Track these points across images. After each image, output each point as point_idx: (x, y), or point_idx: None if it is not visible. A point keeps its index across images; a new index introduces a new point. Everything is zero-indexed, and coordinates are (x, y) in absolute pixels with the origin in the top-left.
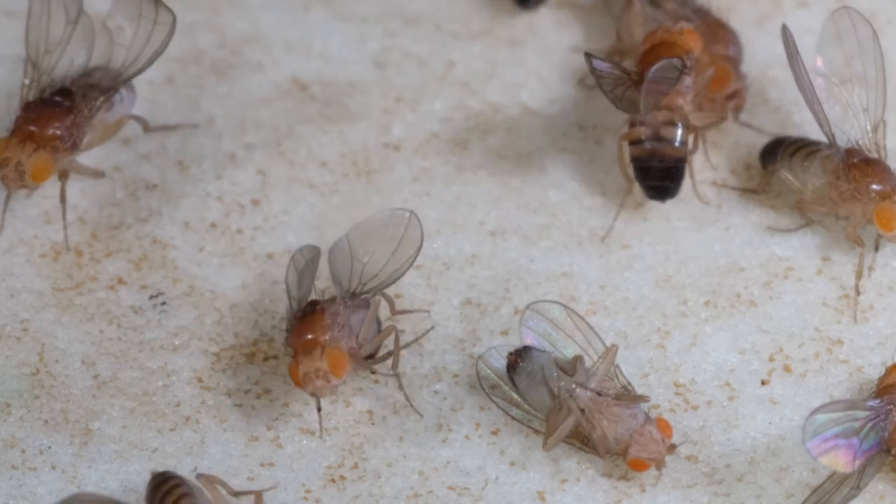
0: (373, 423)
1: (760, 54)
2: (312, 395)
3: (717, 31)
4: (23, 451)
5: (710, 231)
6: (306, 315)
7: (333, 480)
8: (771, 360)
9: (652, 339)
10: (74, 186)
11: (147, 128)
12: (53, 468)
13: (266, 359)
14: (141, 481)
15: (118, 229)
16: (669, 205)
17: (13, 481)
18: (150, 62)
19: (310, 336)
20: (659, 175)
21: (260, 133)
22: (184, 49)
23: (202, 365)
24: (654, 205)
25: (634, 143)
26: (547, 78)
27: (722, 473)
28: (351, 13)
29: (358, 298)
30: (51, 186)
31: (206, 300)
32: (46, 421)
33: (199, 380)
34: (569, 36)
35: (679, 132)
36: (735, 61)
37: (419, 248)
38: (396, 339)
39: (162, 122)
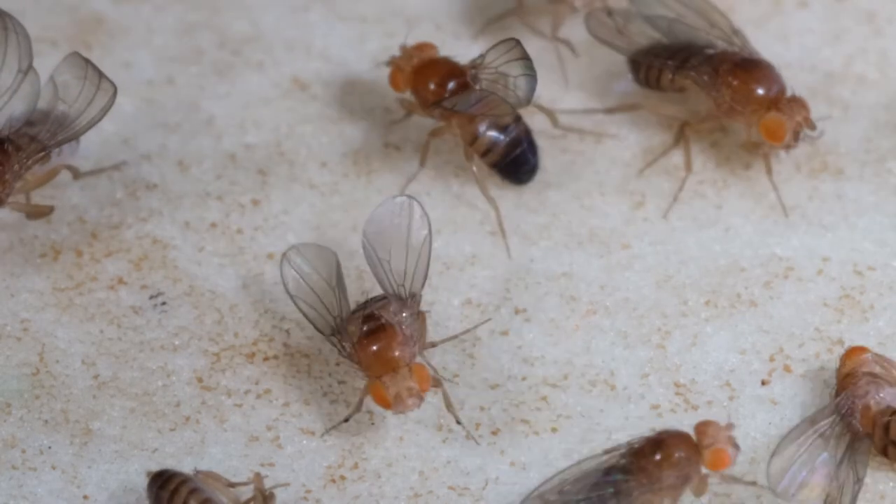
0: (373, 423)
1: (760, 55)
2: (398, 413)
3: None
4: (23, 452)
5: (711, 231)
6: (374, 331)
7: (333, 480)
8: (771, 360)
9: (652, 338)
10: (74, 186)
11: (77, 175)
12: (54, 468)
13: (266, 359)
14: (141, 481)
15: (118, 229)
16: (669, 204)
17: (13, 481)
18: (88, 128)
19: (390, 354)
20: (528, 155)
21: (260, 133)
22: (184, 49)
23: (202, 365)
24: (655, 205)
25: (487, 152)
26: (546, 77)
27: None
28: (351, 13)
29: (407, 303)
30: (50, 187)
31: (206, 300)
32: (47, 421)
33: (199, 380)
34: (568, 36)
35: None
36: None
37: (430, 231)
38: (423, 326)
39: (161, 123)
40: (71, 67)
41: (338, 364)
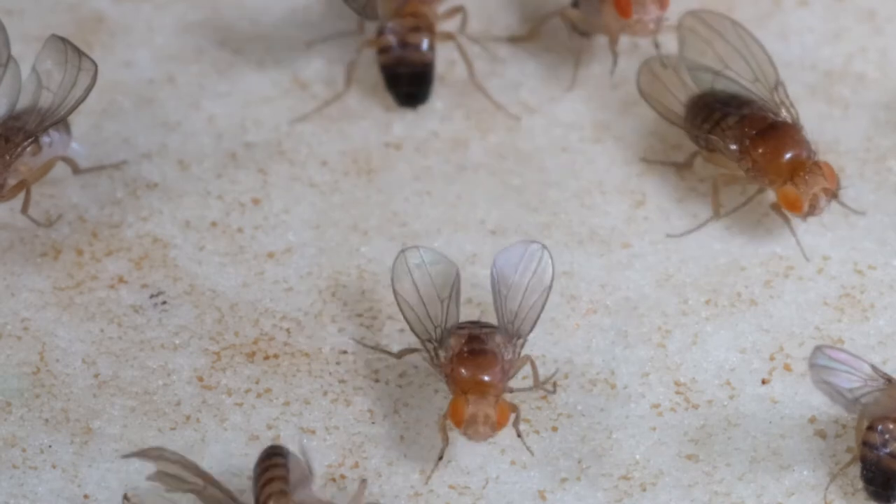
0: (373, 423)
1: None
2: (466, 436)
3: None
4: (23, 451)
5: (711, 230)
6: (477, 352)
7: (334, 479)
8: (771, 359)
9: (652, 337)
10: (75, 185)
11: (76, 169)
12: (54, 467)
13: (266, 357)
14: (142, 480)
15: (119, 228)
16: (670, 204)
17: (14, 480)
18: (73, 109)
19: (484, 377)
20: (407, 81)
21: (260, 132)
22: (184, 48)
23: (203, 364)
24: (655, 204)
25: (383, 51)
26: (547, 77)
27: (722, 472)
28: (351, 12)
29: (512, 340)
30: (51, 185)
31: (206, 299)
32: (47, 420)
33: (200, 379)
34: (568, 35)
35: (425, 38)
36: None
37: (551, 285)
38: (534, 368)
39: (162, 122)
40: (51, 53)
41: (338, 363)
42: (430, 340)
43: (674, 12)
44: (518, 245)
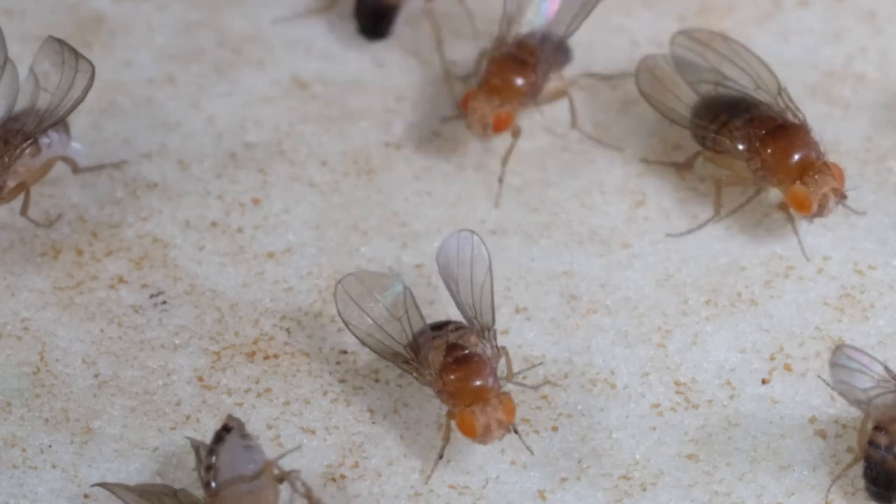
0: (373, 422)
1: (761, 54)
2: (483, 443)
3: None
4: (23, 450)
5: (711, 230)
6: (462, 360)
7: (334, 479)
8: (771, 359)
9: (653, 337)
10: (75, 185)
11: (76, 169)
12: (54, 467)
13: (266, 357)
14: (142, 480)
15: (119, 228)
16: (670, 203)
17: (14, 480)
18: (71, 110)
19: (480, 384)
20: (372, 15)
21: (260, 132)
22: (184, 48)
23: (203, 364)
24: (655, 204)
25: None
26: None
27: (722, 472)
28: (351, 11)
29: (485, 335)
30: (51, 185)
31: (206, 299)
32: (47, 420)
33: (200, 379)
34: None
35: None
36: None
37: (490, 268)
38: (508, 361)
39: (162, 122)
40: (48, 54)
41: (338, 363)
42: (406, 362)
43: (675, 14)
44: (449, 239)
